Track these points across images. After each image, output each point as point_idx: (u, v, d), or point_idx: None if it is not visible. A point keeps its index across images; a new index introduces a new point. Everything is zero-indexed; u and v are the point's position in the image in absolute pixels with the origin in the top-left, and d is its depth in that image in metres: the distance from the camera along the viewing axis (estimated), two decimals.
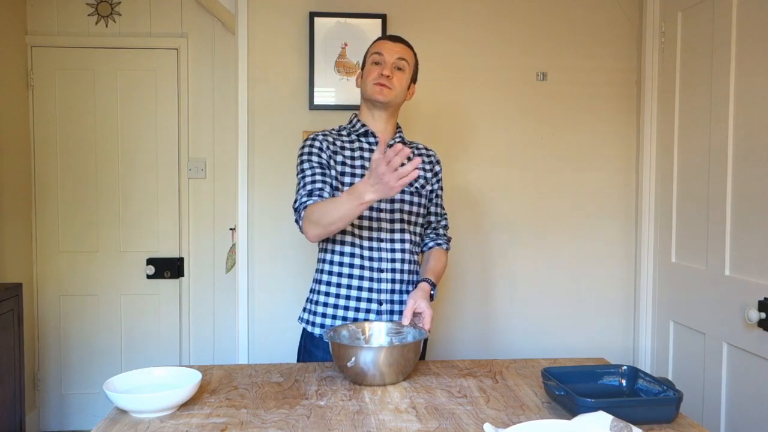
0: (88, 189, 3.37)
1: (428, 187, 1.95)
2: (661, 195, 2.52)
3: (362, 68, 1.90)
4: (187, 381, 1.49)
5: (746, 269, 1.99)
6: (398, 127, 1.95)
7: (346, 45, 2.53)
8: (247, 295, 2.56)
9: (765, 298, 1.88)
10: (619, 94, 2.66)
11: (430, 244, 1.99)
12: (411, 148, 1.94)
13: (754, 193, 1.96)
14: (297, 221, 1.77)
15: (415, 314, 1.73)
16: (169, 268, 3.39)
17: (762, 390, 1.92)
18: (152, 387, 1.47)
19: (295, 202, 1.79)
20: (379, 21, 2.53)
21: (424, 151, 1.99)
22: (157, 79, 3.36)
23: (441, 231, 2.01)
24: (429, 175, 1.96)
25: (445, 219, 2.04)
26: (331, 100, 2.54)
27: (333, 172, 1.82)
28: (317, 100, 2.54)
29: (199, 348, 3.46)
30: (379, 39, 1.89)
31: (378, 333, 1.73)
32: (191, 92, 3.38)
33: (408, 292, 1.88)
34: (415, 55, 1.90)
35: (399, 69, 1.83)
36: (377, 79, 1.81)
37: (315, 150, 1.84)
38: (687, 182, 2.32)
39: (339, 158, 1.84)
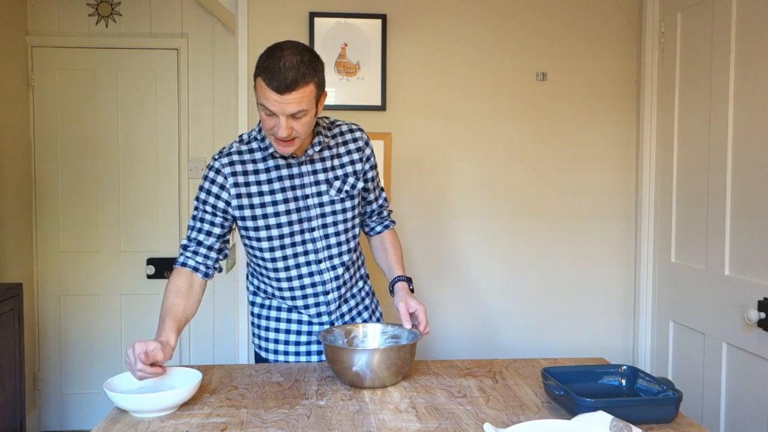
0: (88, 189, 3.37)
1: (360, 185, 1.75)
2: (660, 195, 2.52)
3: (256, 93, 1.54)
4: (188, 381, 1.49)
5: (746, 269, 1.99)
6: (316, 126, 1.69)
7: (346, 45, 2.53)
8: (247, 295, 2.56)
9: (765, 298, 1.88)
10: (619, 94, 2.67)
11: (378, 228, 1.88)
12: (333, 133, 1.73)
13: (753, 193, 1.96)
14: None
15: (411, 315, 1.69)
16: (169, 268, 3.39)
17: (762, 390, 1.92)
18: (152, 387, 1.48)
19: (185, 237, 1.71)
20: (379, 21, 2.53)
21: (349, 136, 1.75)
22: (157, 79, 3.36)
23: (384, 213, 1.89)
24: (358, 167, 1.74)
25: (384, 198, 1.88)
26: (331, 100, 2.54)
27: (247, 212, 1.66)
28: None
29: (199, 348, 3.46)
30: (263, 81, 1.48)
31: (372, 335, 1.72)
32: (191, 92, 3.38)
33: (354, 296, 1.84)
34: (314, 80, 1.52)
35: (297, 119, 1.52)
36: (275, 135, 1.53)
37: (215, 189, 1.65)
38: (686, 182, 2.33)
39: (254, 189, 1.65)
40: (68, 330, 3.41)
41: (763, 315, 1.86)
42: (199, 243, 1.67)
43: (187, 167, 3.39)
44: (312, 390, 1.54)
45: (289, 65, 1.47)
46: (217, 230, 1.67)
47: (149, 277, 3.40)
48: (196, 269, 1.66)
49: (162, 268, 3.40)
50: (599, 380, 1.52)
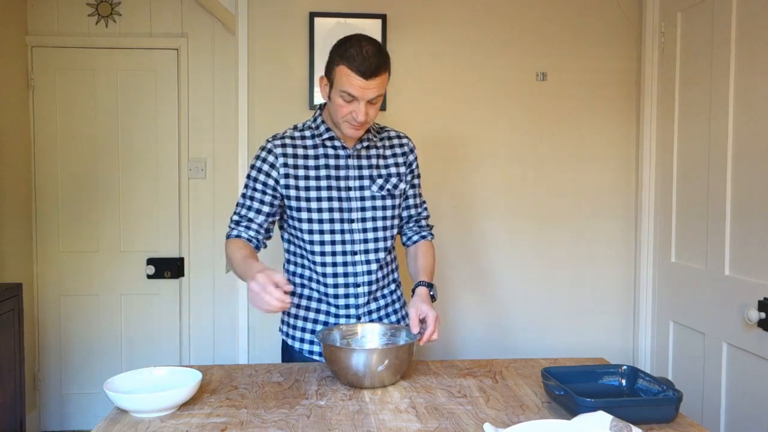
0: (88, 189, 3.37)
1: (402, 186, 1.83)
2: (660, 195, 2.52)
3: (329, 82, 1.68)
4: (187, 381, 1.49)
5: (746, 269, 1.99)
6: None
7: None
8: (248, 295, 2.56)
9: (765, 298, 1.88)
10: (619, 94, 2.67)
11: (415, 237, 1.90)
12: (382, 137, 1.83)
13: (753, 193, 1.96)
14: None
15: (420, 321, 1.67)
16: (169, 268, 3.39)
17: (762, 390, 1.92)
18: (152, 387, 1.48)
19: (232, 215, 1.78)
20: (379, 21, 2.53)
21: (396, 141, 1.86)
22: (157, 79, 3.36)
23: (423, 222, 1.92)
24: (402, 169, 1.83)
25: (425, 208, 1.94)
26: None
27: (293, 192, 1.73)
28: (317, 100, 2.54)
29: (199, 348, 3.46)
30: (347, 68, 1.60)
31: (371, 335, 1.72)
32: (191, 92, 3.37)
33: (384, 296, 1.86)
34: (389, 67, 1.66)
35: (373, 104, 1.65)
36: (351, 121, 1.66)
37: (265, 167, 1.74)
38: (687, 182, 2.33)
39: (301, 172, 1.74)
40: (68, 330, 3.41)
41: (763, 315, 1.86)
42: (250, 220, 1.75)
43: (187, 167, 3.39)
44: (312, 390, 1.54)
45: (372, 53, 1.61)
46: (266, 208, 1.75)
47: (149, 277, 3.39)
48: (249, 240, 1.73)
49: (162, 268, 3.39)
50: (599, 380, 1.52)
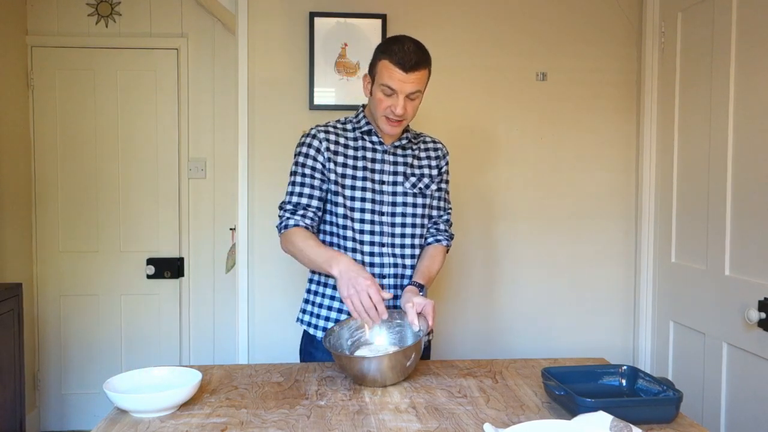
0: (88, 189, 3.37)
1: (433, 186, 1.88)
2: (661, 195, 2.52)
3: (371, 78, 1.76)
4: (187, 381, 1.49)
5: (746, 269, 1.99)
6: (405, 129, 1.87)
7: (346, 45, 2.53)
8: (247, 295, 2.56)
9: (765, 298, 1.88)
10: (619, 95, 2.66)
11: (429, 239, 1.92)
12: (417, 141, 1.89)
13: (753, 193, 1.96)
14: (279, 229, 1.79)
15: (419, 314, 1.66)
16: (169, 268, 3.39)
17: (762, 390, 1.92)
18: (152, 387, 1.48)
19: (282, 204, 1.80)
20: (379, 21, 2.53)
21: (431, 145, 1.93)
22: (157, 79, 3.36)
23: (442, 226, 1.94)
24: (434, 172, 1.89)
25: (448, 213, 1.97)
26: (331, 100, 2.54)
27: (332, 176, 1.77)
28: (317, 100, 2.54)
29: (199, 348, 3.46)
30: (389, 61, 1.67)
31: (377, 327, 1.70)
32: (191, 92, 3.38)
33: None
34: (429, 67, 1.73)
35: (412, 100, 1.72)
36: (389, 115, 1.72)
37: (312, 152, 1.78)
38: (687, 182, 2.33)
39: (340, 159, 1.79)
40: (68, 330, 3.41)
41: (763, 315, 1.86)
42: (306, 207, 1.77)
43: (187, 167, 3.39)
44: (312, 390, 1.54)
45: (413, 49, 1.68)
46: (317, 193, 1.79)
47: (149, 277, 3.39)
48: (307, 228, 1.75)
49: (162, 268, 3.39)
50: (599, 380, 1.52)
